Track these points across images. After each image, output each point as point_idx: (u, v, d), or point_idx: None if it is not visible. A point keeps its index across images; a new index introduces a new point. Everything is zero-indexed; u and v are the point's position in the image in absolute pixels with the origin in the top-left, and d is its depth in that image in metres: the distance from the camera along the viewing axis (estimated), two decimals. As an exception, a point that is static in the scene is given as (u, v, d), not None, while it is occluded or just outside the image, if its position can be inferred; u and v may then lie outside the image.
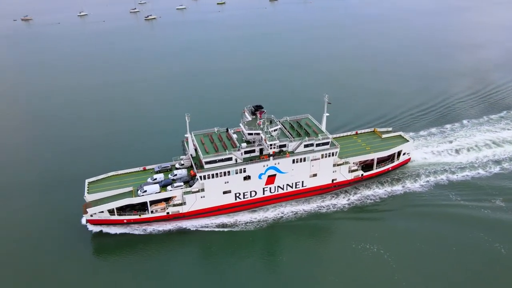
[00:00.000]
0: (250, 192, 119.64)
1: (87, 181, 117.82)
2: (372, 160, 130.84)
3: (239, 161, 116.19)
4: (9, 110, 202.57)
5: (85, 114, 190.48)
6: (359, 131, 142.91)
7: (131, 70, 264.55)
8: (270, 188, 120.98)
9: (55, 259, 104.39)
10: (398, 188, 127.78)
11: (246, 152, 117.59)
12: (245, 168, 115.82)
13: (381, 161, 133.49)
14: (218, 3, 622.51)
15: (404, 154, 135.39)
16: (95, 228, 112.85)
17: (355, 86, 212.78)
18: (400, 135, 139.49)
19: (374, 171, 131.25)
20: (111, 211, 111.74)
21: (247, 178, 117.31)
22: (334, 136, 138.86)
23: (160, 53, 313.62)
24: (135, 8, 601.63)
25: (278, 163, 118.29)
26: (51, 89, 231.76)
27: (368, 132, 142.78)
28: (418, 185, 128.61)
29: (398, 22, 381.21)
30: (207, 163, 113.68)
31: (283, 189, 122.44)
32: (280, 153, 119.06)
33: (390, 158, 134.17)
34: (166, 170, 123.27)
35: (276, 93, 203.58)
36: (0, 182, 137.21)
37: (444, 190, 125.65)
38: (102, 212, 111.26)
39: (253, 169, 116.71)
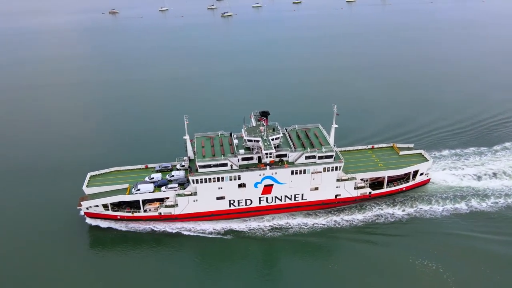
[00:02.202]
0: (245, 200, 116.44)
1: (89, 174, 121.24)
2: (385, 178, 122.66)
3: (234, 167, 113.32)
4: (60, 100, 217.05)
5: (116, 108, 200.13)
6: (377, 146, 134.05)
7: (177, 66, 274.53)
8: (266, 198, 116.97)
9: (50, 244, 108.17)
10: (463, 206, 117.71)
11: (243, 159, 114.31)
12: (239, 175, 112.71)
13: (394, 180, 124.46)
14: (294, 2, 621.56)
15: (421, 174, 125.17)
16: (90, 221, 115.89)
17: (399, 95, 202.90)
18: (421, 153, 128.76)
19: (384, 190, 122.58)
20: (105, 206, 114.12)
21: (242, 185, 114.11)
22: (348, 149, 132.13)
23: (217, 51, 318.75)
24: (212, 5, 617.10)
25: (276, 173, 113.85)
26: (100, 81, 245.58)
27: (386, 147, 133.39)
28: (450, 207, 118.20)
29: (486, 28, 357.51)
30: (201, 167, 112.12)
31: (281, 200, 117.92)
32: (280, 163, 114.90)
33: (405, 177, 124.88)
34: (166, 170, 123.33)
35: (308, 98, 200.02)
36: (14, 168, 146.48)
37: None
38: (97, 206, 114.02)
39: (249, 177, 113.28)
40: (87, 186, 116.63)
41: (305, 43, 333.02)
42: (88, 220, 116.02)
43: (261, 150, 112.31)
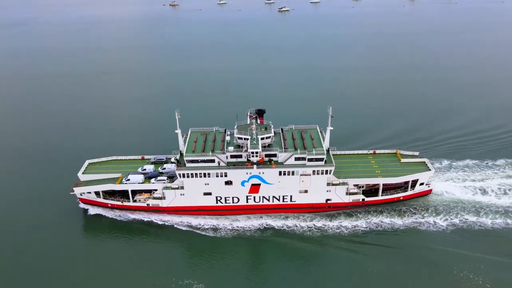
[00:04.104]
0: (233, 198, 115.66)
1: (87, 161, 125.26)
2: (382, 185, 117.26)
3: (222, 164, 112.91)
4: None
5: (134, 99, 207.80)
6: (380, 151, 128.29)
7: (205, 60, 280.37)
8: (254, 197, 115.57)
9: (43, 226, 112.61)
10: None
11: (232, 157, 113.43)
12: (226, 173, 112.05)
13: (392, 188, 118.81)
14: None
15: (422, 184, 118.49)
16: (84, 206, 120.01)
17: (424, 100, 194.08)
18: (424, 162, 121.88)
19: (379, 198, 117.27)
20: (97, 193, 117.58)
21: (228, 183, 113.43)
22: (349, 153, 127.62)
23: (253, 47, 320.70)
24: None
25: (263, 173, 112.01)
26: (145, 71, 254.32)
27: (388, 153, 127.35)
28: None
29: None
30: (188, 161, 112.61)
31: (268, 200, 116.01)
32: (268, 163, 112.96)
33: (404, 186, 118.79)
34: (160, 162, 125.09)
35: (324, 99, 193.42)
36: (27, 149, 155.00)
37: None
38: (90, 193, 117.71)
39: (235, 175, 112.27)
40: (83, 173, 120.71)
41: (347, 42, 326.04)
42: (82, 206, 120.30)
43: (247, 148, 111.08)
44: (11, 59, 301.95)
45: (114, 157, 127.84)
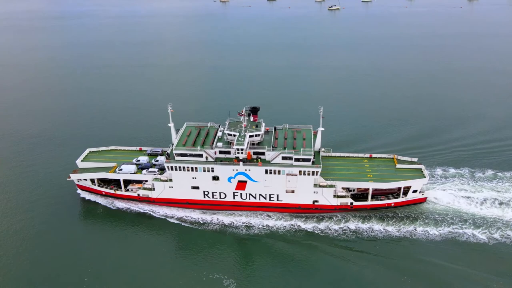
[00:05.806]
0: (220, 193, 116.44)
1: (88, 149, 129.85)
2: (373, 190, 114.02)
3: (210, 159, 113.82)
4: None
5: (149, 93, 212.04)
6: (376, 155, 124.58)
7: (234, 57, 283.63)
8: (241, 194, 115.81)
9: (40, 208, 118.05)
10: None
11: (220, 152, 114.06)
12: (213, 168, 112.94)
13: (383, 193, 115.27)
14: None
15: (415, 191, 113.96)
16: (80, 192, 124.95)
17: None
18: (420, 169, 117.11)
19: (368, 203, 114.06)
20: (93, 181, 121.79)
21: (215, 178, 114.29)
22: (344, 155, 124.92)
23: (285, 46, 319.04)
24: None
25: (249, 170, 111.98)
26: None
27: (385, 157, 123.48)
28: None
29: None
30: (177, 155, 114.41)
31: (255, 198, 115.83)
32: (255, 160, 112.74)
33: (396, 192, 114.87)
34: (155, 154, 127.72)
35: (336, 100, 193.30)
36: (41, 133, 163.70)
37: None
38: (86, 180, 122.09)
39: (222, 170, 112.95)
40: (82, 160, 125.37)
41: (383, 43, 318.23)
42: (79, 192, 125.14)
43: (233, 145, 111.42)
44: (52, 51, 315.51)
45: (113, 147, 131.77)
